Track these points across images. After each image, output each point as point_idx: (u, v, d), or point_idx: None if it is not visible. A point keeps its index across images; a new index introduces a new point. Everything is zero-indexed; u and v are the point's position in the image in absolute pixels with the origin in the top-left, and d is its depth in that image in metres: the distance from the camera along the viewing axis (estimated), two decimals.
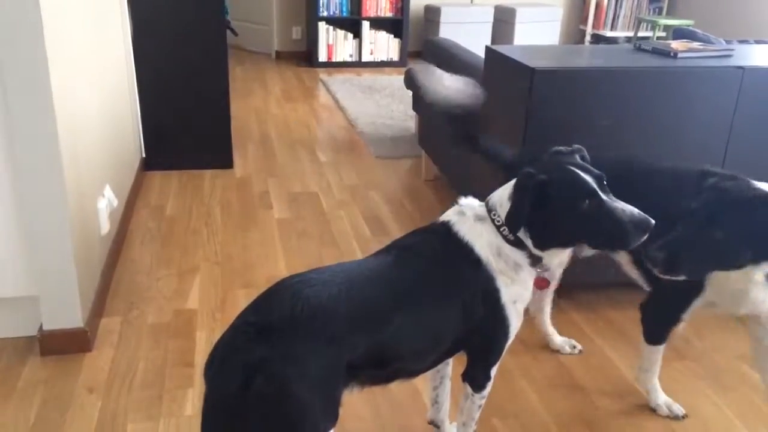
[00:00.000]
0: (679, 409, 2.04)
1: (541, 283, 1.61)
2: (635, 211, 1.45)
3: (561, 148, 1.58)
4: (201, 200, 3.52)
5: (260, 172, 3.98)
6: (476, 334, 1.58)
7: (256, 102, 5.56)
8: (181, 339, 2.32)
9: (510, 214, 1.48)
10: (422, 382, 1.99)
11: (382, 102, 5.53)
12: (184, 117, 3.85)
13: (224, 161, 3.99)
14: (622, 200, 1.47)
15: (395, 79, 6.16)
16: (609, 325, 2.53)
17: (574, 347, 2.35)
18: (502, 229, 1.51)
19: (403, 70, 4.50)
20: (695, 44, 2.56)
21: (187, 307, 2.52)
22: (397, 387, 2.09)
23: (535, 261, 1.55)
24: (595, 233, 1.48)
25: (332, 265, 1.49)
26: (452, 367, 1.84)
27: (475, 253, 1.52)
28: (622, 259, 1.93)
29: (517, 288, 1.56)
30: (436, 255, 1.52)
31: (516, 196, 1.47)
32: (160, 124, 3.82)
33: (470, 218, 1.54)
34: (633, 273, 1.96)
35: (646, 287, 1.98)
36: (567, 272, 2.57)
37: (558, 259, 1.59)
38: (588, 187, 1.45)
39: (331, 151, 4.41)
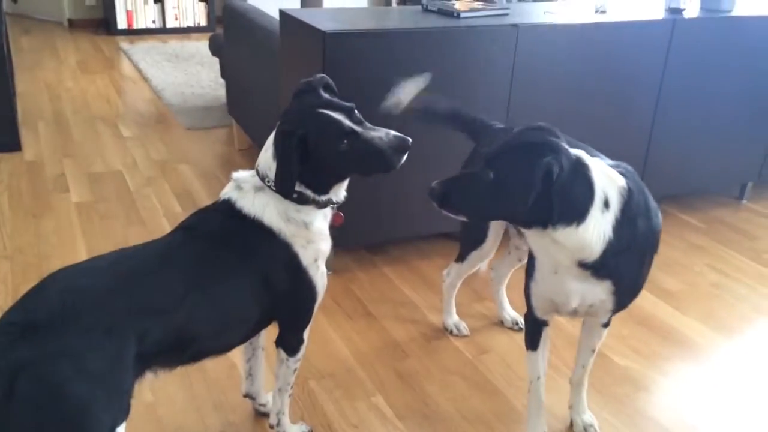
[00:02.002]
0: (464, 328, 2.32)
1: (337, 219, 1.63)
2: (392, 134, 1.49)
3: (302, 87, 1.54)
4: None
5: (54, 153, 3.65)
6: (285, 302, 1.58)
7: (47, 75, 5.07)
8: None
9: (279, 180, 1.46)
10: (238, 356, 1.97)
11: (191, 71, 5.29)
12: None
13: (10, 143, 3.60)
14: None
15: (203, 46, 5.89)
16: (417, 275, 2.66)
17: (516, 323, 2.35)
18: None
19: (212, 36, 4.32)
20: (476, 4, 2.71)
21: None
22: (211, 363, 2.05)
23: (324, 204, 1.55)
24: (362, 165, 1.51)
25: (112, 252, 1.41)
26: (264, 337, 1.83)
27: (266, 225, 1.50)
28: None
29: (315, 246, 1.57)
30: (224, 233, 1.48)
31: (280, 160, 1.45)
32: None
33: (250, 191, 1.51)
34: None
35: None
36: (380, 229, 2.67)
37: (343, 191, 1.60)
38: (343, 127, 1.46)
39: (136, 126, 4.15)
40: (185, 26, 6.63)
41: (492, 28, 2.52)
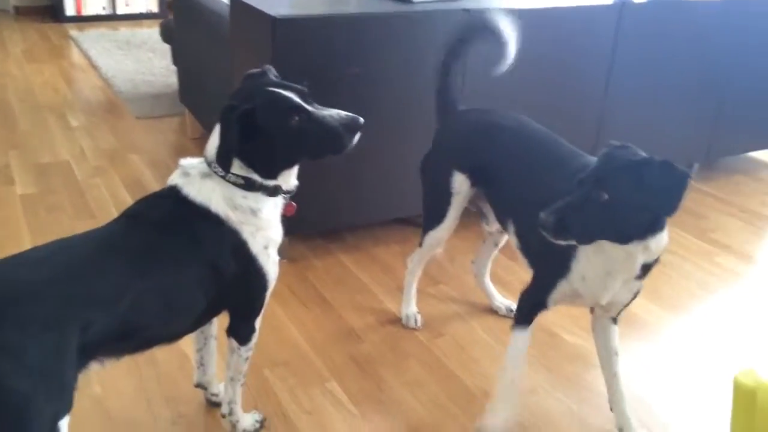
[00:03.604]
0: (417, 321, 2.28)
1: (289, 209, 1.62)
2: (342, 113, 1.49)
3: (253, 71, 1.55)
4: None
5: None
6: (234, 290, 1.56)
7: None
8: None
9: (219, 151, 1.43)
10: (190, 346, 1.94)
11: (142, 58, 5.17)
12: None
13: None
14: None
15: (155, 33, 5.76)
16: (373, 261, 2.66)
17: (511, 311, 2.33)
18: (228, 178, 1.48)
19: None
20: None
21: None
22: (162, 355, 2.02)
23: (274, 191, 1.54)
24: (312, 145, 1.50)
25: (52, 242, 1.37)
26: (216, 326, 1.81)
27: (212, 212, 1.48)
28: (513, 243, 1.92)
29: (264, 233, 1.55)
30: (170, 220, 1.46)
31: (223, 132, 1.42)
32: None
33: (197, 177, 1.49)
34: (521, 257, 1.90)
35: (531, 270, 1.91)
36: (336, 216, 2.66)
37: (293, 179, 1.59)
38: (293, 103, 1.45)
39: (85, 115, 4.04)
40: (136, 13, 6.46)
41: (444, 13, 2.51)
